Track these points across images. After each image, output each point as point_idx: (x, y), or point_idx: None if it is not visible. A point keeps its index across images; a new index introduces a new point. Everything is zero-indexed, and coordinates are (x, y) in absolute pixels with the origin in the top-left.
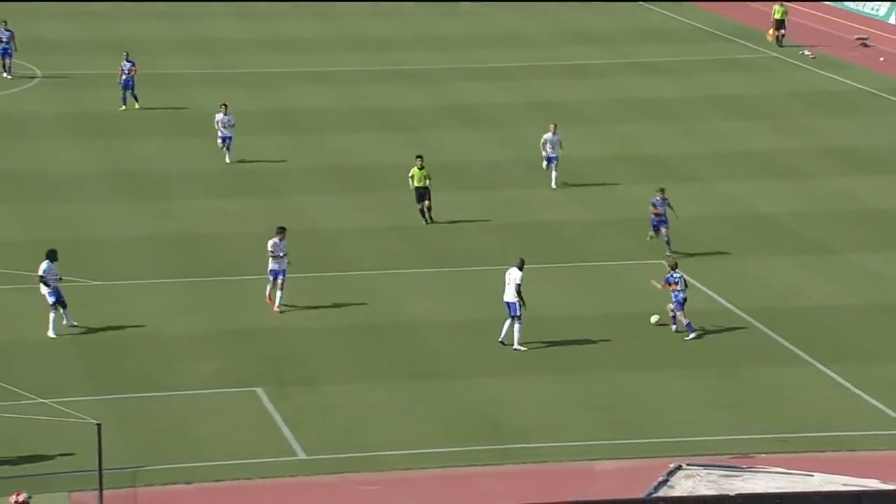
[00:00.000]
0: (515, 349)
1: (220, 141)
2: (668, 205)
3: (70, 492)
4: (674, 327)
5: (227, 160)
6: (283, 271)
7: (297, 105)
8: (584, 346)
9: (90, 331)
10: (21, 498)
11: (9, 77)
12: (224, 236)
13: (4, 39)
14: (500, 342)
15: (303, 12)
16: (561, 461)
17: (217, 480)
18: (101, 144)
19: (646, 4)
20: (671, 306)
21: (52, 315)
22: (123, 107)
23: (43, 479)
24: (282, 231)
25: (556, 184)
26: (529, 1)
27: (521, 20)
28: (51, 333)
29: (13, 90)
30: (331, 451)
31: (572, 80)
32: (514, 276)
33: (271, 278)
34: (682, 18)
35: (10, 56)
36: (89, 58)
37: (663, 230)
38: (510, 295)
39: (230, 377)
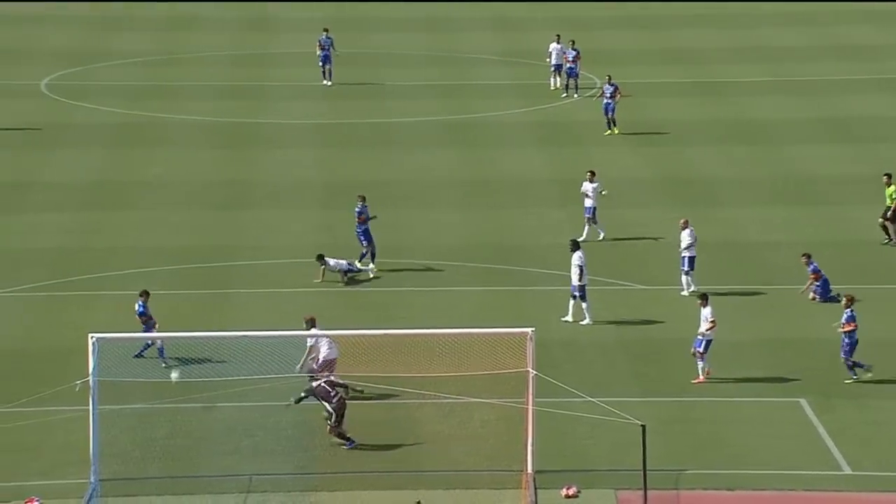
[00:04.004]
0: None
1: (587, 212)
2: None
3: (616, 489)
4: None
5: (601, 236)
6: None
7: (855, 113)
8: None
9: (637, 333)
10: (572, 491)
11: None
12: (770, 244)
13: (569, 56)
14: None
15: (867, 17)
16: None
17: (759, 489)
18: (652, 152)
19: None
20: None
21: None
22: (608, 132)
23: (591, 475)
24: None
25: None
26: None
27: None
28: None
29: (573, 99)
30: (878, 469)
31: None
32: None
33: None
34: None
35: (575, 76)
36: (645, 68)
37: None
38: None
39: (773, 387)
